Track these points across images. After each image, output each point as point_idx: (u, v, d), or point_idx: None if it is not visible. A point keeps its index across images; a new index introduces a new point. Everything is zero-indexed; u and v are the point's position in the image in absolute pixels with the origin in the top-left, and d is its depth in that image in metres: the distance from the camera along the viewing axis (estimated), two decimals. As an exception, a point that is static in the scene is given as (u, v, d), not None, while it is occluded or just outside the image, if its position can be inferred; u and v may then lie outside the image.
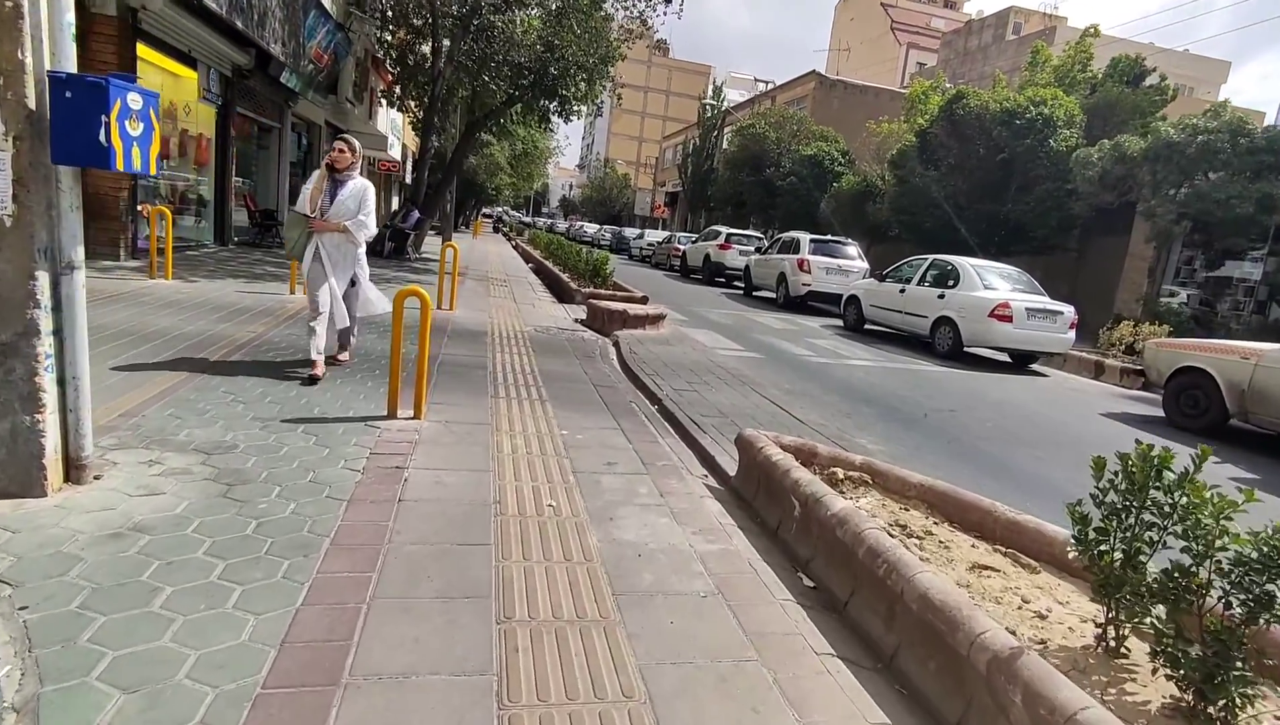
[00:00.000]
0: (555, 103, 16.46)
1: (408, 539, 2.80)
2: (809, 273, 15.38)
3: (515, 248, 29.94)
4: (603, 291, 11.66)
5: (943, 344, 10.69)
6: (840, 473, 3.67)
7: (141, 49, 9.22)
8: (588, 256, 13.19)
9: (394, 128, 23.90)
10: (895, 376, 8.51)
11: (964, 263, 11.24)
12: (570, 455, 4.05)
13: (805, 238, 16.03)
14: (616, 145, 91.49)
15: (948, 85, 26.72)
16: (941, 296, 10.90)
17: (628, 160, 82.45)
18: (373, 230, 5.08)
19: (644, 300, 11.53)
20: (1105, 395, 9.27)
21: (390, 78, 20.02)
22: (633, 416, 5.09)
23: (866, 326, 13.00)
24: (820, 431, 5.37)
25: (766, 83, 65.29)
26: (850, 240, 16.69)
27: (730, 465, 4.29)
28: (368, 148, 23.80)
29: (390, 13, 17.23)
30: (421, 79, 17.79)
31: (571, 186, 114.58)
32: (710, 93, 45.91)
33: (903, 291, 11.82)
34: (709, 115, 46.02)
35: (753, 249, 20.80)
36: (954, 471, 4.92)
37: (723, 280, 21.26)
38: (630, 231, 42.42)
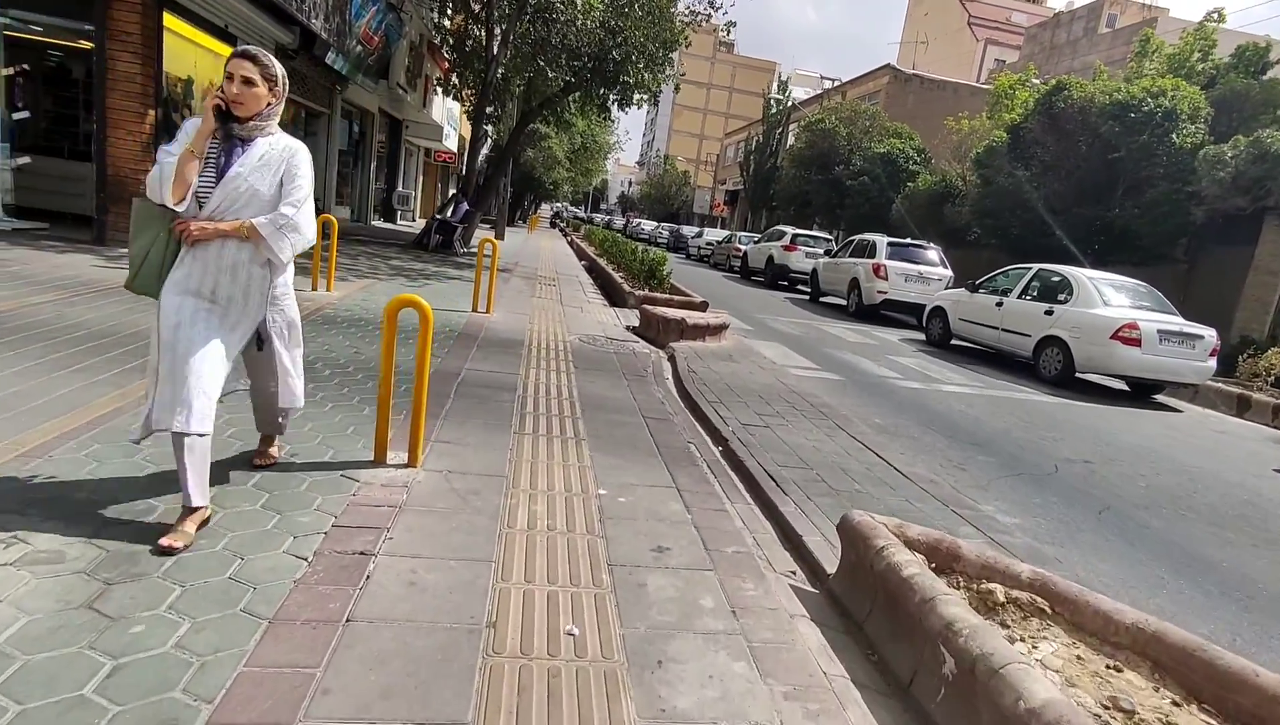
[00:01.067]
0: (615, 91, 15.45)
1: (336, 712, 1.76)
2: (885, 279, 13.96)
3: (570, 244, 29.15)
4: (659, 295, 10.57)
5: (1049, 368, 9.21)
6: (1000, 592, 2.48)
7: (170, 20, 8.56)
8: (643, 255, 12.12)
9: (450, 118, 23.33)
10: (1001, 409, 7.15)
11: (1077, 274, 9.71)
12: (607, 532, 2.97)
13: (882, 240, 14.59)
14: (677, 142, 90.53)
15: (1036, 80, 24.71)
16: (1049, 312, 9.41)
17: (688, 157, 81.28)
18: (309, 237, 2.70)
19: (703, 306, 10.40)
20: (1262, 440, 7.69)
21: (447, 65, 19.40)
22: (692, 466, 3.98)
23: (953, 342, 11.55)
24: (931, 492, 4.16)
25: (832, 80, 63.13)
26: (932, 245, 15.16)
27: (824, 548, 3.15)
28: (424, 138, 23.30)
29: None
30: (477, 65, 17.05)
31: (630, 183, 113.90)
32: (775, 88, 44.32)
33: (999, 305, 10.35)
34: (773, 111, 44.48)
35: (820, 251, 19.41)
36: (1123, 563, 3.65)
37: (786, 283, 19.92)
38: (689, 230, 41.27)
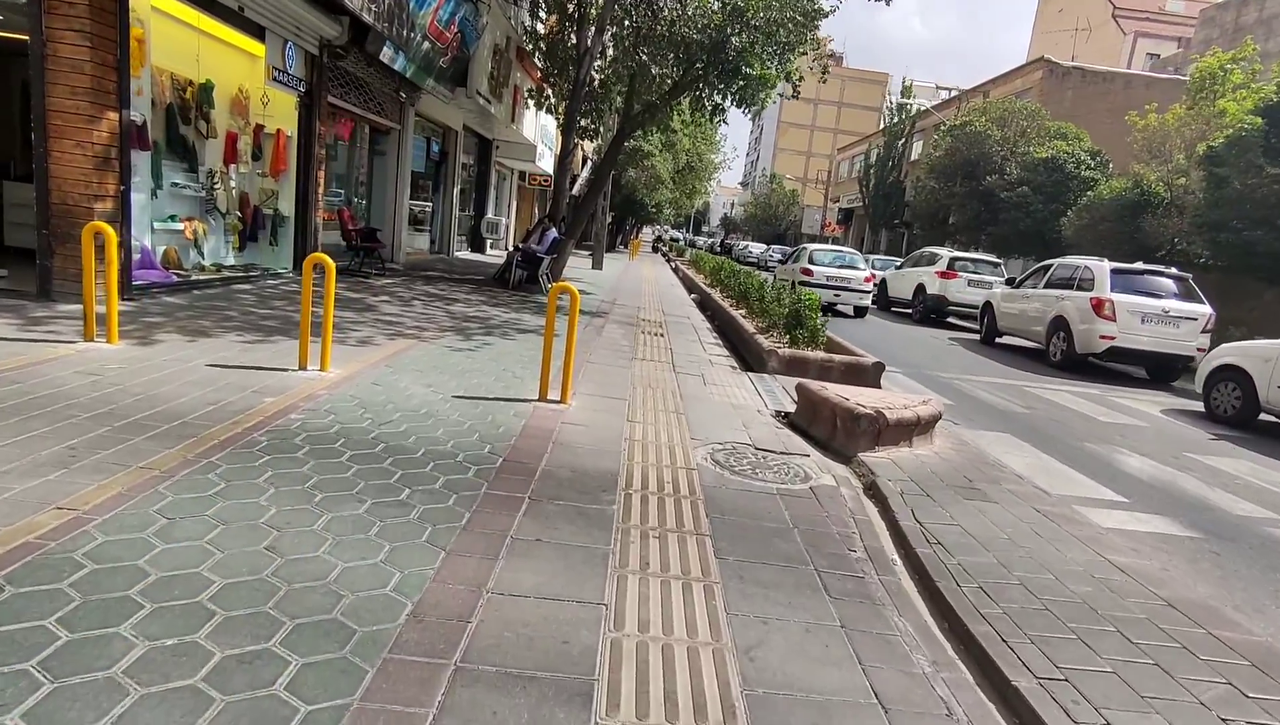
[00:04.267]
0: (734, 87, 12.51)
1: None
2: (1111, 319, 10.16)
3: (675, 271, 26.35)
4: (811, 354, 7.42)
5: None
6: None
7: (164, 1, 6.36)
8: (783, 294, 8.98)
9: (545, 136, 21.16)
10: None
11: None
12: None
13: (1103, 267, 10.79)
14: (783, 160, 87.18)
15: (1256, 58, 19.86)
16: None
17: (794, 175, 77.42)
18: None
19: (878, 369, 7.19)
20: None
21: (539, 74, 17.15)
22: None
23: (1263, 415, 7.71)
24: None
25: (949, 90, 57.71)
26: (1182, 272, 11.16)
27: None
28: (516, 158, 21.20)
29: (541, -3, 14.23)
30: (571, 70, 14.59)
31: (733, 204, 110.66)
32: (900, 95, 40.20)
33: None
34: (895, 121, 40.34)
35: (989, 279, 15.58)
36: None
37: (936, 317, 16.19)
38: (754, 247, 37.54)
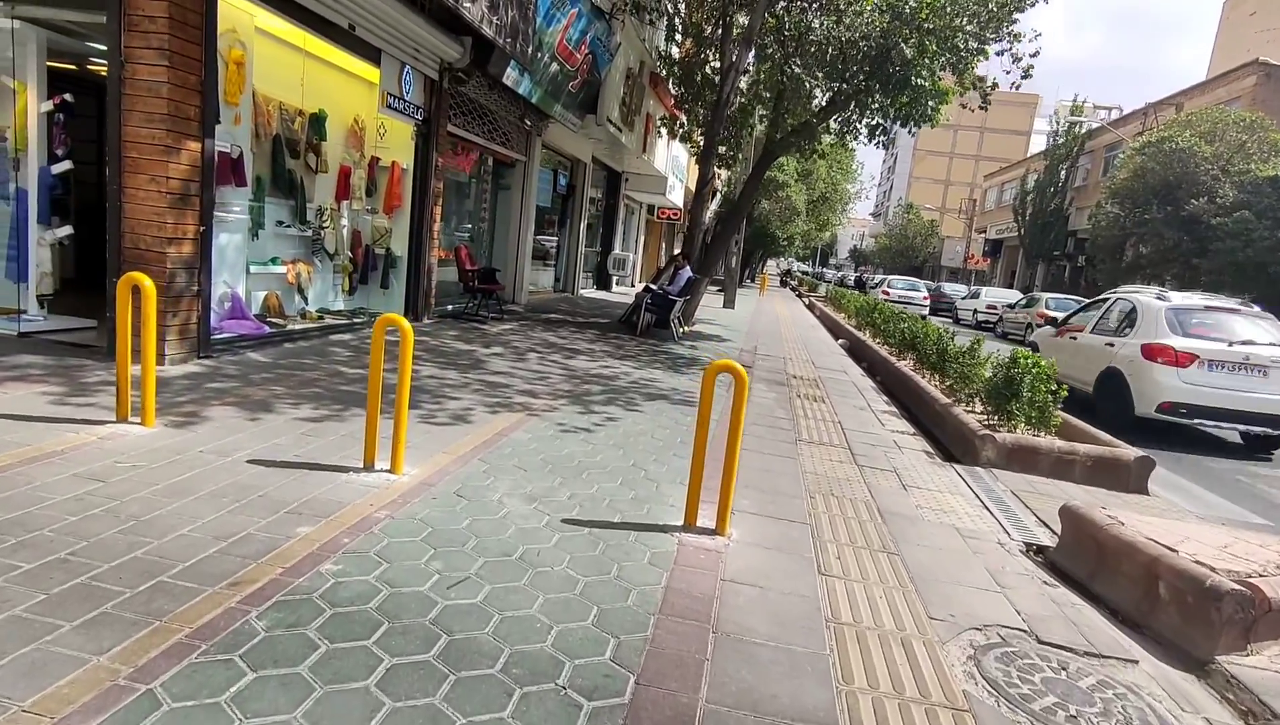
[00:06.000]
0: (900, 102, 10.70)
1: None
2: (1182, 366, 7.43)
3: (810, 309, 24.34)
4: (1044, 442, 5.44)
5: None
6: None
7: (245, 7, 5.58)
8: (977, 350, 6.99)
9: (676, 167, 20.04)
10: None
11: None
12: None
13: (1152, 303, 8.24)
14: (919, 190, 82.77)
15: None
16: None
17: (932, 205, 72.73)
18: None
19: (1144, 467, 5.15)
20: None
21: (673, 101, 16.04)
22: None
23: None
24: None
25: (1108, 109, 51.84)
26: (1256, 307, 8.32)
27: None
28: (645, 191, 20.16)
29: (679, 19, 13.13)
30: (709, 95, 13.33)
31: (864, 236, 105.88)
32: (1070, 113, 36.15)
33: None
34: (1060, 143, 36.24)
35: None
36: None
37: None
38: (953, 288, 34.27)
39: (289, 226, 7.15)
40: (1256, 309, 8.53)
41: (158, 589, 2.34)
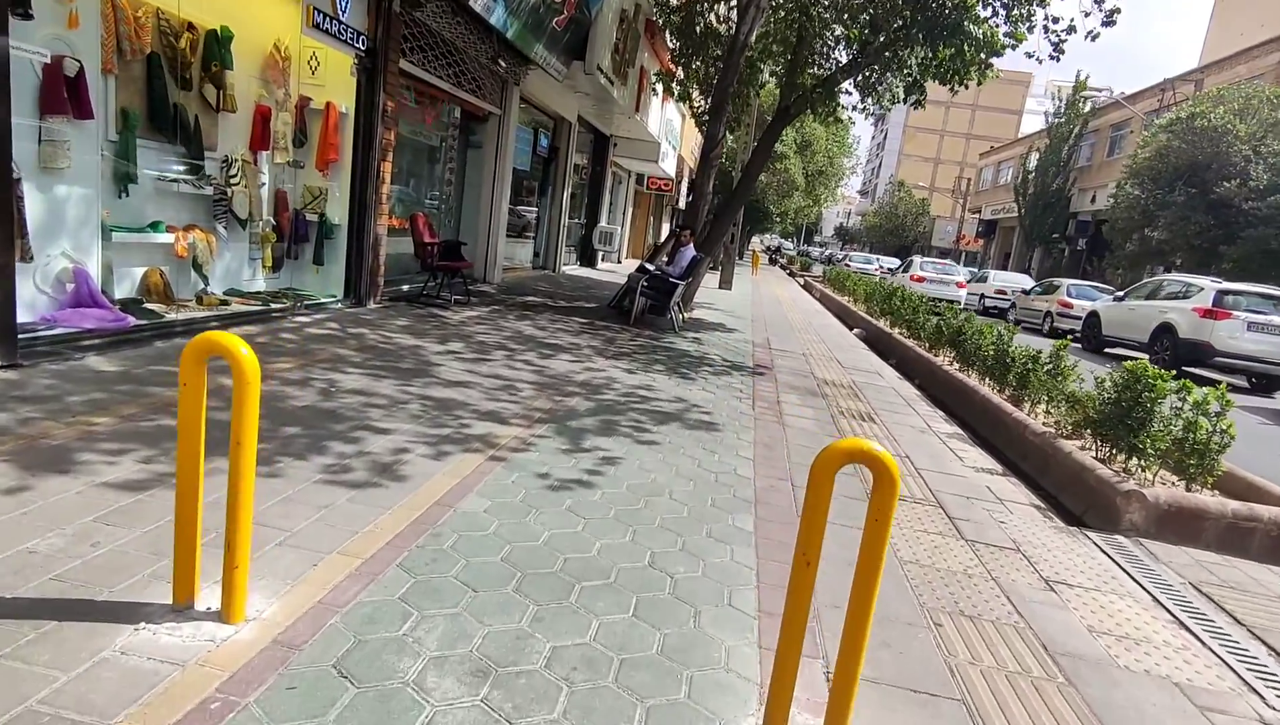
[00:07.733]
0: (945, 55, 9.07)
1: None
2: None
3: (807, 289, 22.82)
4: (1213, 503, 3.91)
5: None
6: None
7: None
8: (1117, 382, 5.33)
9: (669, 132, 18.22)
10: None
11: None
12: None
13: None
14: (908, 167, 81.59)
15: None
16: None
17: (920, 184, 71.27)
18: None
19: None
20: None
21: (669, 57, 14.23)
22: None
23: None
24: None
25: (1102, 90, 50.55)
26: None
27: None
28: (636, 158, 18.32)
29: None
30: (713, 49, 11.58)
31: (850, 214, 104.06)
32: (1072, 89, 34.76)
33: None
34: (1062, 121, 34.81)
35: (1282, 321, 11.16)
36: None
37: (1191, 366, 11.88)
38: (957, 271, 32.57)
39: (178, 181, 5.38)
40: None
41: None
